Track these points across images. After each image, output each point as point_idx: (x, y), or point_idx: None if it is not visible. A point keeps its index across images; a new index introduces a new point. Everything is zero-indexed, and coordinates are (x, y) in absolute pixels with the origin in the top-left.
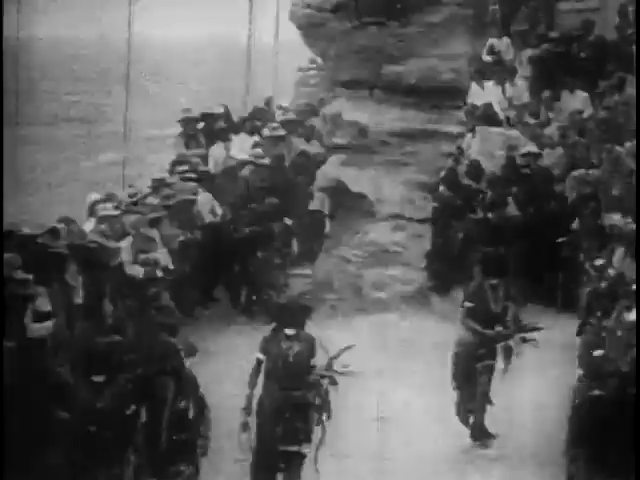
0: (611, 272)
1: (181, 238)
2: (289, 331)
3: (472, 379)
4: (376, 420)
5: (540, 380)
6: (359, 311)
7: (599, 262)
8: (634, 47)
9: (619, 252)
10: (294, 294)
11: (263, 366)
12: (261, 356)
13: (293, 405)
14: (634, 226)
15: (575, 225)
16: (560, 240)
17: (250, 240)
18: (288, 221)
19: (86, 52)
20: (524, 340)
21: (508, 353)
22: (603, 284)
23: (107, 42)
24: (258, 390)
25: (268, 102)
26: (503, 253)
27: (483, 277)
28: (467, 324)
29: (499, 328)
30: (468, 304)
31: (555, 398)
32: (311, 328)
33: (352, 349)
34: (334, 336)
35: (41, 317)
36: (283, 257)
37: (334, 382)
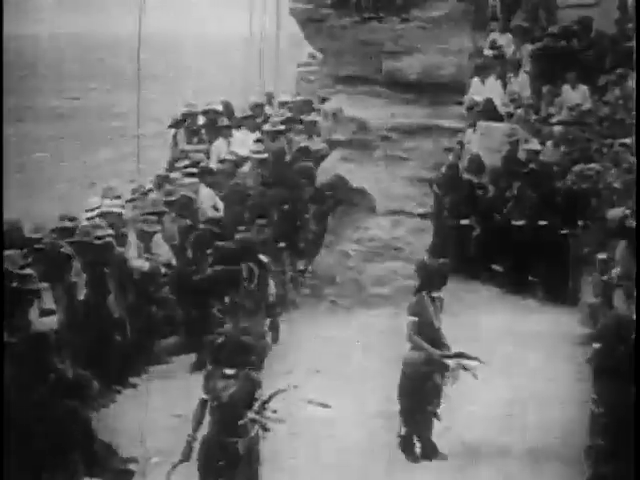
0: (614, 266)
1: (182, 224)
2: (228, 370)
3: (419, 399)
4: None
5: (544, 374)
6: (360, 306)
7: (602, 256)
8: (634, 42)
9: (621, 246)
10: (235, 329)
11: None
12: (205, 396)
13: (227, 452)
14: (634, 220)
15: (577, 219)
16: (564, 233)
17: (214, 283)
18: (264, 258)
19: (87, 49)
20: (463, 368)
21: (449, 374)
22: (606, 278)
23: (109, 39)
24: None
25: (269, 98)
26: (442, 263)
27: (422, 290)
28: (413, 341)
29: (444, 345)
30: (412, 318)
31: (561, 392)
32: (312, 325)
33: (284, 392)
34: (335, 331)
35: (45, 315)
36: (257, 303)
37: (265, 429)
